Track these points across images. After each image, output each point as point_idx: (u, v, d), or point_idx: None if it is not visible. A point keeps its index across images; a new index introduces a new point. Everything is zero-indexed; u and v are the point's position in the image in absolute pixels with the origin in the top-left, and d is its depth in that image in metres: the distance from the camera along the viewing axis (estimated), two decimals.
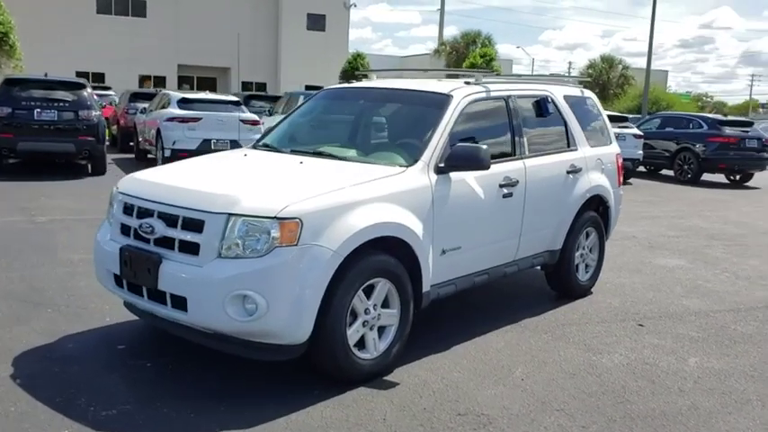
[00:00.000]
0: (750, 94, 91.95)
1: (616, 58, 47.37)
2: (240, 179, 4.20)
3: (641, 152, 16.30)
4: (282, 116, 15.08)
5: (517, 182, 5.02)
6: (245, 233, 3.63)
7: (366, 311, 4.00)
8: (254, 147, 5.30)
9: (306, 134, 5.35)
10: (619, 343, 4.96)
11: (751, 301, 6.25)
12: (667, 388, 4.20)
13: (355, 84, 5.55)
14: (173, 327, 3.99)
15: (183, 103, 13.55)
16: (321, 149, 4.76)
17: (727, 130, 16.73)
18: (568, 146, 5.82)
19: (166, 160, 13.14)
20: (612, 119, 15.24)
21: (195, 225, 3.73)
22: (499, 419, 3.67)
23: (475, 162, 4.40)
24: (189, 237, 3.74)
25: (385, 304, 4.13)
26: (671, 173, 17.48)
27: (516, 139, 5.19)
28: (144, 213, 3.97)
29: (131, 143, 17.22)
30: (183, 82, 42.29)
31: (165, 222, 3.84)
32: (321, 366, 3.92)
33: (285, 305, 3.59)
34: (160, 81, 41.44)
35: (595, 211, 6.13)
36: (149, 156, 15.50)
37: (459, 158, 4.40)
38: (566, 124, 5.83)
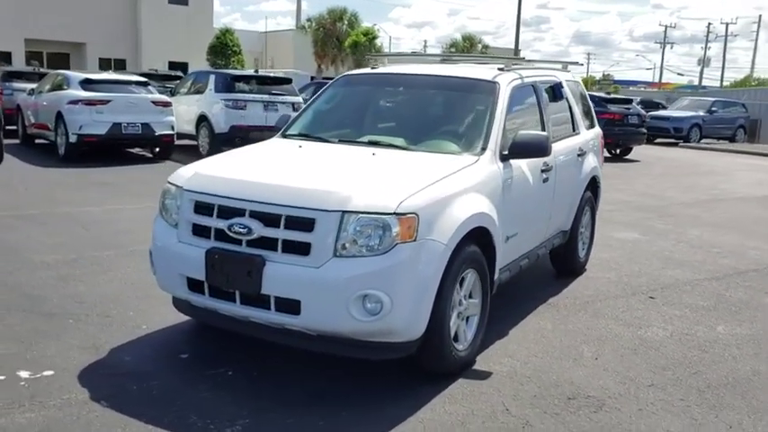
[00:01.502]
0: (587, 72, 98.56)
1: (476, 36, 49.10)
2: (331, 173, 3.99)
3: None
4: (190, 96, 14.42)
5: (552, 167, 5.16)
6: (362, 231, 3.49)
7: (460, 303, 3.99)
8: (285, 136, 5.04)
9: (345, 122, 5.14)
10: (648, 316, 5.27)
11: (722, 269, 6.84)
12: (721, 356, 4.54)
13: (383, 70, 5.39)
14: (266, 332, 3.76)
15: (87, 83, 12.49)
16: (375, 139, 4.62)
17: (612, 108, 17.93)
18: (573, 130, 6.04)
19: (71, 146, 12.17)
20: None
21: (303, 224, 3.52)
22: (608, 400, 3.81)
23: (539, 149, 4.47)
24: (296, 236, 3.53)
25: (469, 294, 4.13)
26: None
27: (545, 123, 5.31)
28: (230, 213, 3.69)
29: (9, 127, 15.68)
30: (32, 58, 38.83)
31: (262, 222, 3.60)
32: (428, 361, 3.86)
33: (407, 302, 3.51)
34: (5, 57, 37.84)
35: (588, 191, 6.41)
36: (38, 141, 14.25)
37: (523, 146, 4.45)
38: (571, 109, 6.05)
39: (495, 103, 4.66)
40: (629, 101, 19.30)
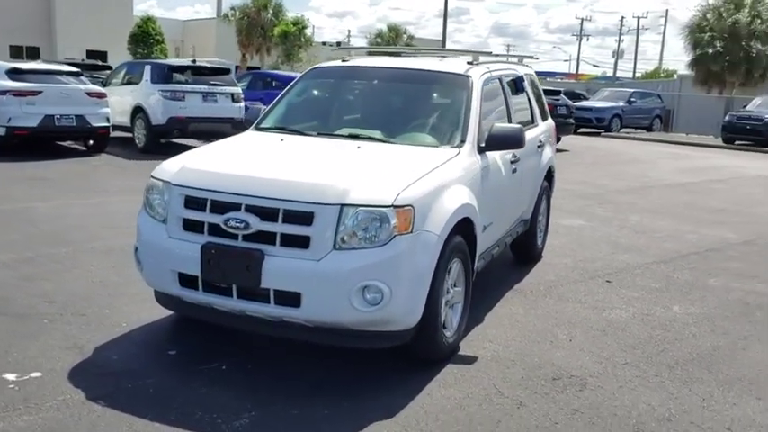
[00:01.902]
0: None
1: (401, 27, 49.31)
2: (324, 166, 4.02)
3: None
4: (124, 87, 13.97)
5: (519, 158, 5.35)
6: (361, 223, 3.56)
7: (447, 291, 4.11)
8: (260, 129, 5.01)
9: (321, 115, 5.16)
10: (609, 299, 5.55)
11: (666, 252, 7.24)
12: (682, 334, 4.84)
13: (355, 63, 5.43)
14: (262, 325, 3.78)
15: (14, 73, 11.93)
16: (355, 132, 4.67)
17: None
18: (532, 122, 6.26)
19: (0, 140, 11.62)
20: None
21: (302, 218, 3.57)
22: (590, 379, 4.02)
23: (515, 141, 4.63)
24: (295, 230, 3.57)
25: (454, 283, 4.26)
26: None
27: (511, 116, 5.50)
28: (224, 207, 3.68)
29: None
30: None
31: (258, 216, 3.61)
32: (422, 348, 3.97)
33: (405, 292, 3.61)
34: None
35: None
36: None
37: (500, 138, 4.60)
38: (530, 102, 6.26)
39: (470, 96, 4.79)
40: (558, 92, 19.91)
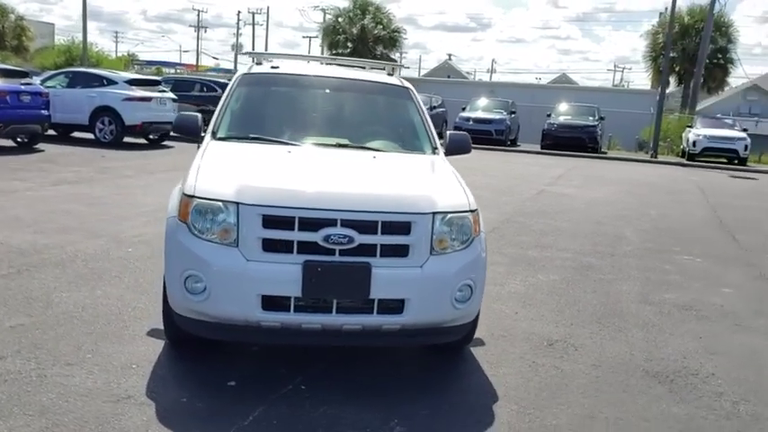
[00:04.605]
0: (116, 51, 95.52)
1: (8, 6, 43.54)
2: (388, 177, 4.19)
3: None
4: None
5: None
6: (449, 229, 3.87)
7: None
8: (220, 138, 4.67)
9: (288, 125, 4.94)
10: (493, 276, 6.42)
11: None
12: (571, 296, 6.04)
13: (294, 71, 5.31)
14: (351, 337, 3.81)
15: None
16: (342, 142, 4.77)
17: None
18: None
19: None
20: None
21: (401, 228, 3.74)
22: (570, 340, 4.92)
23: (466, 148, 5.25)
24: (395, 240, 3.73)
25: None
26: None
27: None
28: (317, 224, 3.62)
29: None
30: None
31: (356, 230, 3.66)
32: (468, 336, 4.38)
33: (481, 287, 4.06)
34: None
35: None
36: None
37: (457, 144, 5.17)
38: None
39: (418, 106, 5.26)
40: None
